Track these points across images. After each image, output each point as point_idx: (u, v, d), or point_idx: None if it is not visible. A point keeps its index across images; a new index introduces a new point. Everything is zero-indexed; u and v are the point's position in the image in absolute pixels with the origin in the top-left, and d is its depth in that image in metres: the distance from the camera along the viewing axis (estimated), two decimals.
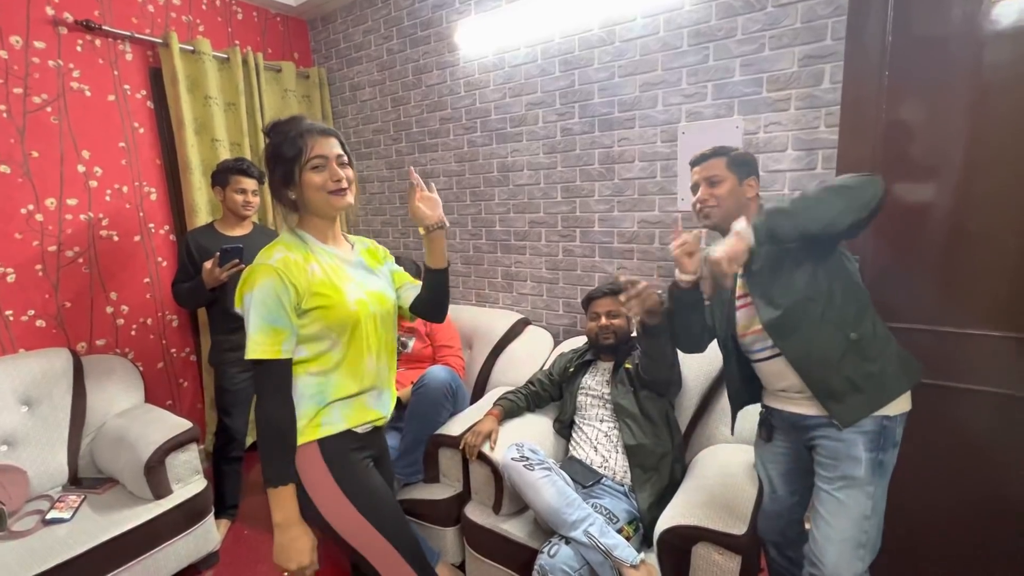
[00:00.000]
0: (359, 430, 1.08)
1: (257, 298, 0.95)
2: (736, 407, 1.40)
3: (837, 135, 1.53)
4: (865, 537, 1.10)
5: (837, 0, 1.50)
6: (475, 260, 2.50)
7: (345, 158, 1.06)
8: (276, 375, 0.98)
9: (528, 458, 1.36)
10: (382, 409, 1.13)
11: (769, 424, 1.32)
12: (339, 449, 1.04)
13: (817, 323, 1.11)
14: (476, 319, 2.33)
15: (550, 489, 1.29)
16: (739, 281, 1.27)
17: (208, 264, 1.83)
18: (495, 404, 1.76)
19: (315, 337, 1.01)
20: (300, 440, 1.01)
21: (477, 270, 2.51)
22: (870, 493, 1.10)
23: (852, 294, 1.12)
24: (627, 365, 1.64)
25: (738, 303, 1.28)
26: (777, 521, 1.34)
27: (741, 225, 1.05)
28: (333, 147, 1.03)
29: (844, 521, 1.11)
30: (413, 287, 1.24)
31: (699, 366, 1.68)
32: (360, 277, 1.10)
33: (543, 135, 2.15)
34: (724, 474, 1.40)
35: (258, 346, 0.95)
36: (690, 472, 1.52)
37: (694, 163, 1.27)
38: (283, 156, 1.00)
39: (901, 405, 1.12)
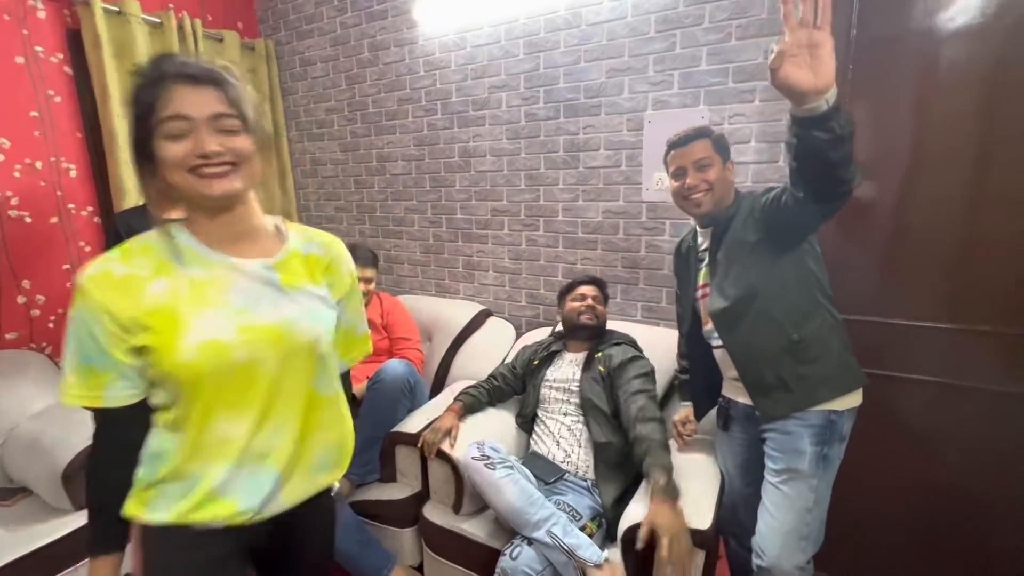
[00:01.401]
0: (199, 527, 0.72)
1: (71, 327, 0.69)
2: (697, 400, 1.41)
3: None
4: (807, 529, 1.12)
5: None
6: (435, 249, 2.40)
7: (234, 120, 0.69)
8: (108, 426, 0.72)
9: (489, 456, 1.30)
10: (251, 500, 0.73)
11: (726, 414, 1.33)
12: (162, 546, 0.73)
13: (760, 318, 1.11)
14: (436, 310, 2.25)
15: (512, 488, 1.24)
16: (702, 271, 1.26)
17: None
18: (455, 399, 1.69)
19: (156, 383, 0.72)
20: (126, 510, 0.73)
21: (437, 259, 2.41)
22: (813, 486, 1.11)
23: (806, 292, 1.11)
24: (600, 367, 1.60)
25: (700, 293, 1.27)
26: (735, 512, 1.35)
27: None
28: (208, 103, 0.67)
29: (787, 513, 1.12)
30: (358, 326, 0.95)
31: (663, 358, 1.66)
32: (248, 302, 0.73)
33: (507, 120, 2.08)
34: (688, 468, 1.39)
35: (71, 389, 0.69)
36: None
37: (675, 144, 1.22)
38: (133, 115, 0.69)
39: (850, 400, 1.14)
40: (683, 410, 1.49)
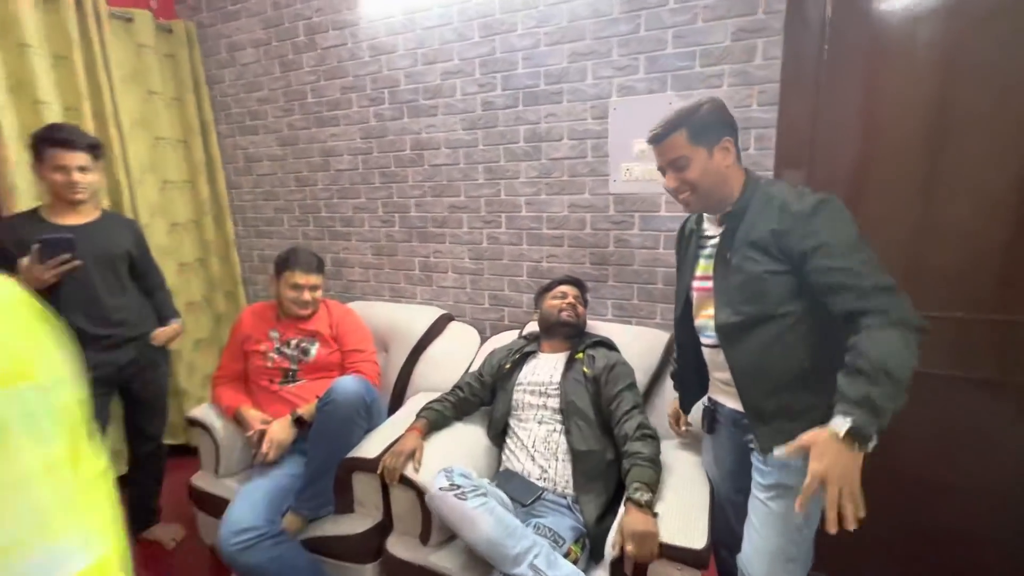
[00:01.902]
0: None
1: None
2: (686, 389, 1.33)
3: (770, 114, 1.48)
4: (796, 550, 1.03)
5: None
6: (388, 250, 2.22)
7: None
8: None
9: (459, 485, 1.15)
10: None
11: (712, 416, 1.24)
12: None
13: (772, 342, 0.99)
14: (392, 317, 2.06)
15: (488, 520, 1.10)
16: (702, 262, 1.15)
17: (24, 261, 1.39)
18: (418, 416, 1.53)
19: None
20: None
21: (391, 261, 2.23)
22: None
23: (827, 321, 0.98)
24: (585, 369, 1.48)
25: (696, 284, 1.16)
26: (726, 520, 1.27)
27: (832, 432, 0.84)
28: None
29: (775, 532, 1.03)
30: None
31: (638, 357, 1.57)
32: None
33: (462, 109, 1.92)
34: (674, 476, 1.30)
35: None
36: None
37: (651, 142, 1.09)
38: None
39: None
40: (675, 401, 1.40)
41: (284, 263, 1.76)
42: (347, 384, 1.47)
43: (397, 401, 1.89)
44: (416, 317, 2.03)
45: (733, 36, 1.50)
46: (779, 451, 0.99)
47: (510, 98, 1.83)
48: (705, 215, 1.16)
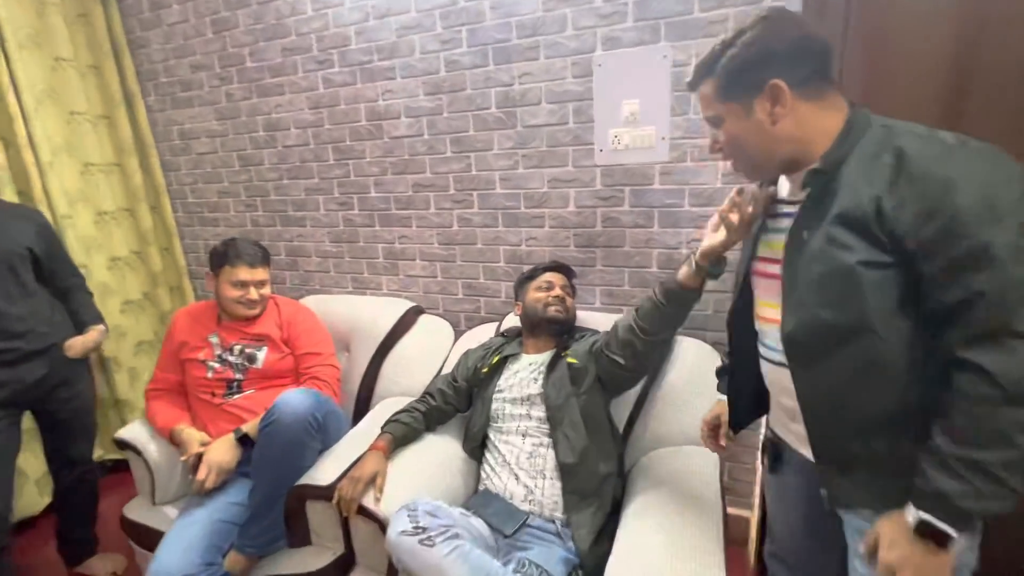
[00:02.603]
0: None
1: None
2: (738, 403, 0.98)
3: None
4: None
5: None
6: (347, 236, 1.97)
7: None
8: None
9: (425, 528, 0.95)
10: None
11: (775, 452, 0.93)
12: None
13: (866, 365, 0.69)
14: (354, 312, 1.83)
15: (460, 570, 0.90)
16: (771, 238, 0.84)
17: None
18: (382, 432, 1.32)
19: None
20: None
21: (352, 249, 1.98)
22: None
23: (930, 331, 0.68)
24: (570, 360, 1.28)
25: (759, 266, 0.86)
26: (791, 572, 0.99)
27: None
28: None
29: None
30: None
31: None
32: None
33: (423, 70, 1.66)
34: (679, 493, 1.12)
35: None
36: (633, 489, 1.22)
37: (689, 88, 0.83)
38: None
39: None
40: (717, 405, 1.07)
41: (223, 257, 1.50)
42: (291, 400, 1.24)
43: (362, 409, 1.67)
44: (381, 311, 1.80)
45: None
46: (859, 545, 0.73)
47: (478, 56, 1.58)
48: (784, 176, 0.85)
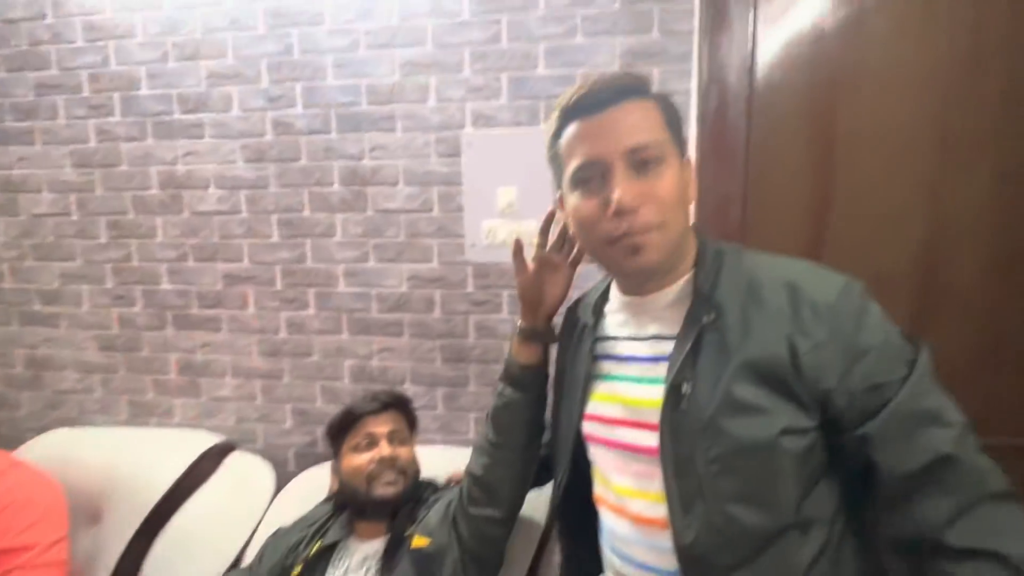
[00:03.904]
0: None
1: None
2: None
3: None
4: None
5: None
6: (125, 343, 1.40)
7: None
8: None
9: None
10: None
11: None
12: None
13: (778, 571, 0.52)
14: (121, 454, 1.24)
15: None
16: (598, 389, 0.64)
17: None
18: None
19: None
20: None
21: (131, 360, 1.40)
22: None
23: (840, 507, 0.56)
24: (417, 542, 0.87)
25: (597, 429, 0.64)
26: None
27: None
28: None
29: None
30: None
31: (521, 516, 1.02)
32: None
33: (242, 131, 1.27)
34: None
35: None
36: None
37: (582, 109, 0.56)
38: None
39: None
40: None
41: None
42: None
43: None
44: (164, 452, 1.24)
45: (622, 59, 1.12)
46: None
47: (317, 120, 1.24)
48: (622, 298, 0.65)
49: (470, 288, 1.24)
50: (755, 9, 0.87)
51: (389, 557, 0.88)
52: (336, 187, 1.25)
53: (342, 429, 0.97)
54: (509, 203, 1.19)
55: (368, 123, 1.22)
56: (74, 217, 1.36)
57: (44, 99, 1.33)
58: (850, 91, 0.89)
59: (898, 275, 0.94)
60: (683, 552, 0.53)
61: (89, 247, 1.37)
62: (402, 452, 0.96)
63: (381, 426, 0.97)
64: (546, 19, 1.13)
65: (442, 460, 1.11)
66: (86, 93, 1.31)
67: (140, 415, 1.42)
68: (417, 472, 0.99)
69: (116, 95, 1.30)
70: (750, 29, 0.88)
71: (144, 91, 1.29)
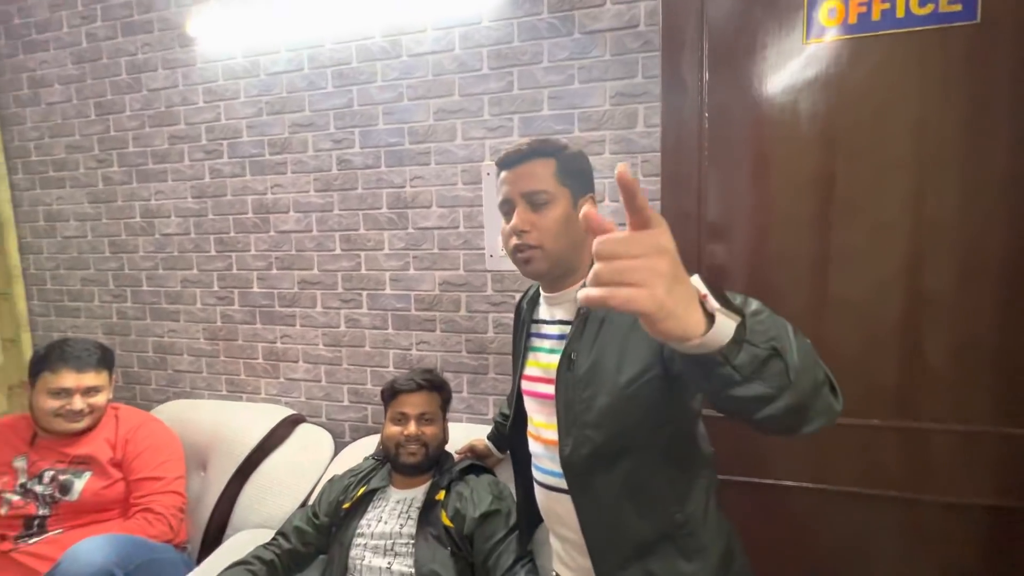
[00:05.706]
0: None
1: None
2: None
3: (655, 185, 1.31)
4: None
5: (646, 35, 1.30)
6: (225, 334, 1.78)
7: None
8: None
9: None
10: None
11: None
12: None
13: (634, 486, 0.73)
14: (220, 421, 1.60)
15: None
16: (532, 357, 0.86)
17: None
18: None
19: None
20: None
21: (228, 348, 1.78)
22: None
23: (696, 450, 0.77)
24: (445, 521, 1.10)
25: (528, 384, 0.86)
26: None
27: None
28: None
29: None
30: None
31: None
32: None
33: (315, 167, 1.61)
34: None
35: None
36: None
37: (505, 164, 0.80)
38: None
39: None
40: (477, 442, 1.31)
41: (42, 362, 1.29)
42: (81, 552, 1.00)
43: (211, 544, 1.41)
44: (252, 420, 1.59)
45: (613, 100, 1.34)
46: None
47: (371, 157, 1.55)
48: (543, 295, 0.87)
49: (489, 291, 1.49)
50: (704, 71, 1.07)
51: (426, 508, 1.12)
52: (384, 210, 1.56)
53: (391, 395, 1.23)
54: None
55: (409, 158, 1.52)
56: (192, 235, 1.77)
57: (174, 147, 1.75)
58: (787, 128, 1.05)
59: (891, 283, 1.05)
60: (564, 460, 0.75)
61: (202, 259, 1.77)
62: (427, 430, 1.19)
63: (413, 407, 1.19)
64: (549, 70, 1.38)
65: (465, 434, 1.37)
66: (203, 141, 1.72)
67: (235, 391, 1.79)
68: (441, 444, 1.22)
69: (224, 142, 1.69)
70: (701, 83, 1.08)
71: (244, 138, 1.67)
